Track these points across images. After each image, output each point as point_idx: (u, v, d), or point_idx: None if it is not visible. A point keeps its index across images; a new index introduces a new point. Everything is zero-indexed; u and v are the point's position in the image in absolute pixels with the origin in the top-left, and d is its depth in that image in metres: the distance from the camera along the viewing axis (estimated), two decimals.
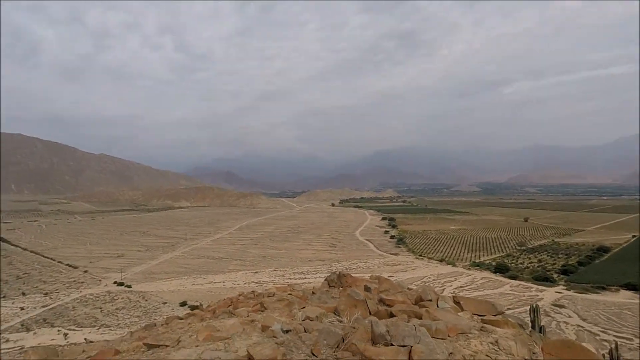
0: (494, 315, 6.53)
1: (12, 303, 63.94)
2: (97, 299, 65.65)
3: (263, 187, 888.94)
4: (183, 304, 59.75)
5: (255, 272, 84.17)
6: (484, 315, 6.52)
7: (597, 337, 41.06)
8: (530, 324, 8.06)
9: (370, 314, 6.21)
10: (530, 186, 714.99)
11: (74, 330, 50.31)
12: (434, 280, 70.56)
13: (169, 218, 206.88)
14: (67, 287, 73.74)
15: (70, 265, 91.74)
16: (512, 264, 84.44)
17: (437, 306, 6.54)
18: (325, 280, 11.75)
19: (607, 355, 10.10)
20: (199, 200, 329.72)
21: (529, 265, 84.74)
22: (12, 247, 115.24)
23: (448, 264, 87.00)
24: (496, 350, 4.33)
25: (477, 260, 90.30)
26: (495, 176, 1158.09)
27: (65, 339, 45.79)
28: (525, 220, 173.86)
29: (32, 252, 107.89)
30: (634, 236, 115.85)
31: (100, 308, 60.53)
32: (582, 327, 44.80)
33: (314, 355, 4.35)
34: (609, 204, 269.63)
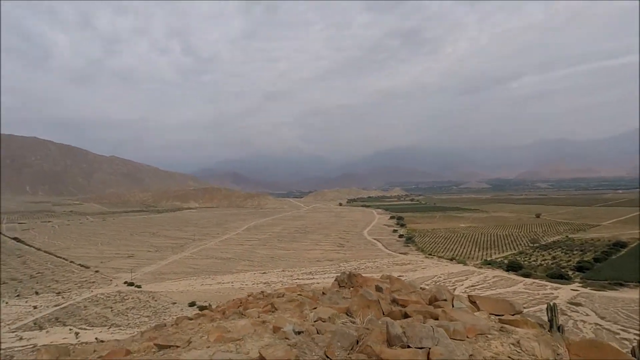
0: (512, 315, 6.32)
1: (26, 302, 65.19)
2: (107, 298, 66.53)
3: (269, 187, 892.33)
4: (192, 304, 60.17)
5: (264, 273, 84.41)
6: (502, 315, 6.31)
7: (617, 336, 40.09)
8: (547, 324, 7.82)
9: (383, 314, 6.06)
10: (541, 181, 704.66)
11: (85, 329, 51.04)
12: (444, 279, 69.84)
13: (177, 219, 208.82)
14: (78, 287, 74.93)
15: (82, 265, 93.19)
16: (525, 262, 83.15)
17: (453, 306, 6.35)
18: (335, 280, 11.60)
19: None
20: (207, 201, 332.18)
21: (542, 262, 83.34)
22: (27, 247, 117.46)
23: (459, 262, 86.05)
24: (518, 352, 4.13)
25: (488, 259, 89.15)
26: (505, 172, 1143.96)
27: (77, 337, 46.46)
28: (537, 216, 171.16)
29: (45, 252, 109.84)
30: None
31: (111, 308, 61.32)
32: (600, 325, 43.76)
33: (327, 357, 4.21)
34: (624, 198, 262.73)
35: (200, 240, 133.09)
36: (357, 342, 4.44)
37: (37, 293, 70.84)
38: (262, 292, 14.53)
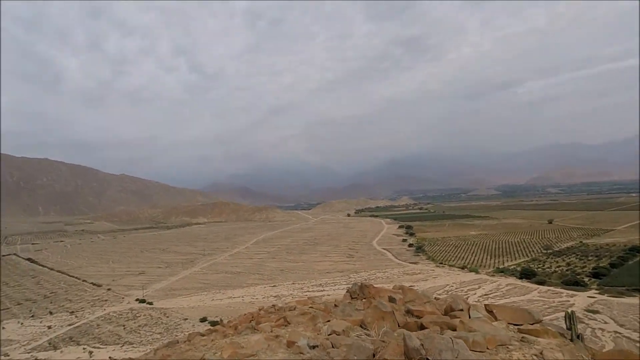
0: (532, 324, 6.13)
1: (40, 322, 65.63)
2: (120, 316, 66.59)
3: (277, 200, 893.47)
4: (203, 319, 59.87)
5: (274, 286, 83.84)
6: (521, 325, 6.13)
7: (637, 344, 38.71)
8: (569, 333, 7.55)
9: (399, 326, 5.93)
10: (552, 186, 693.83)
11: (98, 347, 51.01)
12: (456, 288, 68.53)
13: (187, 234, 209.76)
14: (91, 305, 75.25)
15: (94, 284, 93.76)
16: (539, 269, 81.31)
17: (469, 316, 6.19)
18: (347, 292, 11.43)
19: None
20: (216, 215, 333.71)
21: (556, 269, 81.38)
22: (40, 267, 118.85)
23: (470, 271, 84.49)
24: None
25: (500, 266, 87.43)
26: (514, 178, 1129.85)
27: (91, 356, 46.43)
28: (550, 222, 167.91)
29: (58, 271, 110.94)
30: None
31: (124, 325, 61.29)
32: (619, 333, 42.33)
33: None
34: (638, 201, 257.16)
35: (210, 255, 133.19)
36: (374, 355, 4.34)
37: (51, 313, 71.31)
38: (274, 305, 14.38)
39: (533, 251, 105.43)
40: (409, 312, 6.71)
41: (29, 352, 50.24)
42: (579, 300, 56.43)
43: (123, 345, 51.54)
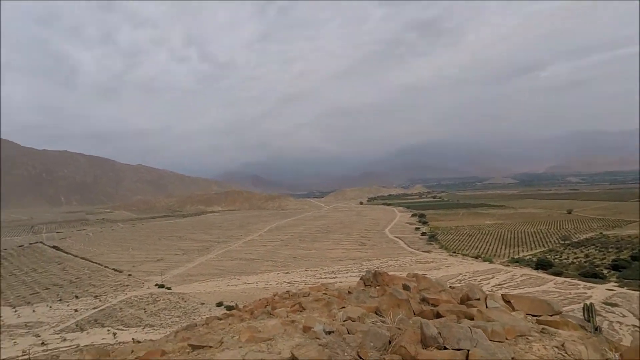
0: (551, 316, 6.02)
1: (67, 305, 68.80)
2: (141, 300, 69.03)
3: (290, 188, 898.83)
4: (219, 304, 61.43)
5: (287, 273, 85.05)
6: (539, 316, 6.03)
7: None
8: (590, 326, 7.40)
9: (414, 314, 5.93)
10: (572, 175, 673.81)
11: (121, 330, 53.18)
12: (469, 277, 68.04)
13: (202, 222, 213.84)
14: (114, 290, 78.22)
15: (115, 270, 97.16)
16: (556, 260, 79.82)
17: (486, 306, 6.13)
18: (360, 279, 11.49)
19: None
20: (230, 204, 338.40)
21: (574, 260, 79.70)
22: (65, 254, 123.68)
23: (484, 260, 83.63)
24: (563, 356, 3.89)
25: (516, 256, 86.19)
26: (533, 166, 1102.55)
27: (115, 338, 48.49)
28: (569, 212, 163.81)
29: (82, 258, 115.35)
30: None
31: (144, 309, 63.56)
32: (638, 327, 41.41)
33: (360, 358, 4.15)
34: None
35: (225, 242, 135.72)
36: (390, 342, 4.36)
37: (76, 297, 74.65)
38: (288, 291, 14.60)
39: (550, 242, 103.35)
40: (424, 300, 6.69)
41: (58, 333, 52.84)
42: (597, 292, 55.20)
43: (144, 328, 53.55)
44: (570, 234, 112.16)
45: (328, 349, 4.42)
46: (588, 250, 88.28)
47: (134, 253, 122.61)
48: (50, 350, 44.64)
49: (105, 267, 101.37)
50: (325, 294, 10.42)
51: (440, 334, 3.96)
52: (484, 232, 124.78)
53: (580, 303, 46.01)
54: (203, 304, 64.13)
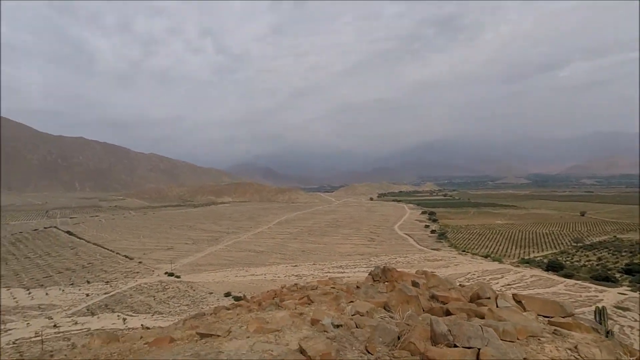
0: (563, 317, 5.90)
1: (79, 290, 70.63)
2: (150, 287, 70.45)
3: (300, 182, 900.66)
4: (227, 294, 62.27)
5: (295, 266, 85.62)
6: (551, 317, 5.92)
7: None
8: (603, 329, 7.24)
9: (423, 310, 5.88)
10: (587, 177, 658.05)
11: (131, 316, 54.39)
12: (478, 276, 67.43)
13: (212, 213, 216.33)
14: (124, 277, 79.98)
15: (126, 257, 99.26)
16: (567, 262, 78.43)
17: (497, 305, 6.04)
18: (369, 274, 11.47)
19: None
20: (240, 195, 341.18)
21: (586, 263, 78.20)
22: (78, 239, 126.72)
23: (494, 260, 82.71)
24: (577, 358, 3.81)
25: (526, 257, 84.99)
26: (547, 167, 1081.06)
27: (124, 323, 49.61)
28: (582, 214, 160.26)
29: (94, 244, 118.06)
30: None
31: (154, 296, 64.87)
32: None
33: (368, 352, 4.13)
34: None
35: (234, 233, 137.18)
36: (399, 338, 4.33)
37: (88, 282, 76.55)
38: (296, 284, 14.70)
39: (562, 243, 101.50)
40: (433, 297, 6.63)
41: (69, 317, 54.32)
42: (609, 296, 54.13)
43: (153, 315, 54.67)
44: (582, 236, 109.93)
45: (336, 343, 4.42)
46: (601, 253, 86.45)
47: (144, 241, 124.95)
48: (62, 332, 45.88)
49: (117, 253, 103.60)
50: (333, 287, 10.44)
51: (450, 331, 3.91)
52: (494, 231, 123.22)
53: (590, 306, 45.24)
54: (211, 293, 65.10)
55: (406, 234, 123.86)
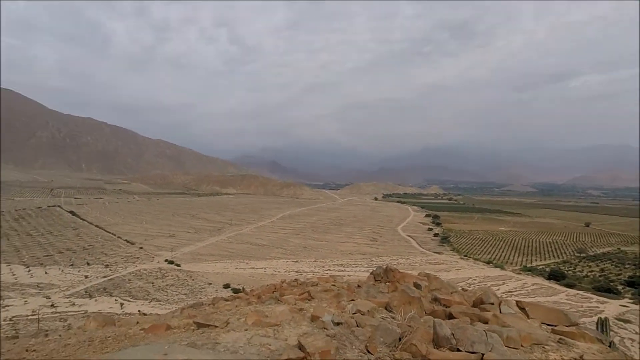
0: (567, 326, 5.79)
1: (78, 271, 71.20)
2: (149, 274, 70.98)
3: (306, 177, 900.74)
4: (226, 286, 62.60)
5: (296, 261, 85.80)
6: (555, 326, 5.81)
7: None
8: (607, 339, 7.10)
9: (425, 313, 5.79)
10: (593, 188, 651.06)
11: (128, 301, 54.86)
12: (479, 282, 67.11)
13: (216, 203, 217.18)
14: (124, 261, 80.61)
15: (128, 241, 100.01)
16: (569, 272, 77.84)
17: (500, 311, 5.93)
18: (371, 273, 11.39)
19: None
20: (245, 187, 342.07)
21: (589, 273, 77.60)
22: (81, 220, 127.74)
23: (496, 266, 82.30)
24: None
25: (528, 265, 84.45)
26: (554, 176, 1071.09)
27: (121, 308, 50.08)
28: (587, 225, 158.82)
29: (96, 226, 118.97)
30: None
31: (152, 283, 65.37)
32: None
33: (369, 352, 4.06)
34: None
35: (237, 225, 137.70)
36: (400, 339, 4.25)
37: (88, 264, 77.16)
38: (296, 279, 14.68)
39: (565, 253, 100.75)
40: (436, 300, 6.54)
41: (67, 297, 54.87)
42: (610, 307, 53.72)
43: (151, 302, 55.09)
44: (586, 246, 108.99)
45: (336, 340, 4.34)
46: (604, 264, 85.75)
47: (147, 226, 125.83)
48: (59, 313, 46.32)
49: (118, 237, 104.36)
50: (334, 285, 10.38)
51: (453, 335, 3.82)
52: (497, 238, 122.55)
53: (592, 317, 44.88)
54: (210, 284, 65.47)
55: (409, 236, 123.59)
